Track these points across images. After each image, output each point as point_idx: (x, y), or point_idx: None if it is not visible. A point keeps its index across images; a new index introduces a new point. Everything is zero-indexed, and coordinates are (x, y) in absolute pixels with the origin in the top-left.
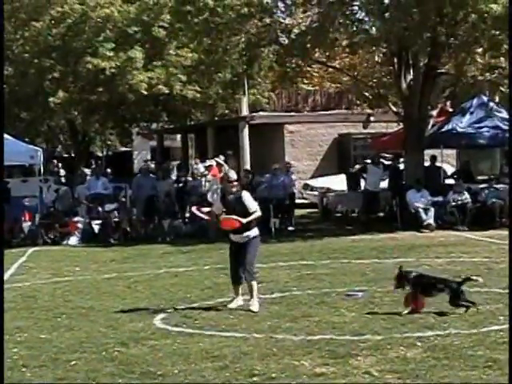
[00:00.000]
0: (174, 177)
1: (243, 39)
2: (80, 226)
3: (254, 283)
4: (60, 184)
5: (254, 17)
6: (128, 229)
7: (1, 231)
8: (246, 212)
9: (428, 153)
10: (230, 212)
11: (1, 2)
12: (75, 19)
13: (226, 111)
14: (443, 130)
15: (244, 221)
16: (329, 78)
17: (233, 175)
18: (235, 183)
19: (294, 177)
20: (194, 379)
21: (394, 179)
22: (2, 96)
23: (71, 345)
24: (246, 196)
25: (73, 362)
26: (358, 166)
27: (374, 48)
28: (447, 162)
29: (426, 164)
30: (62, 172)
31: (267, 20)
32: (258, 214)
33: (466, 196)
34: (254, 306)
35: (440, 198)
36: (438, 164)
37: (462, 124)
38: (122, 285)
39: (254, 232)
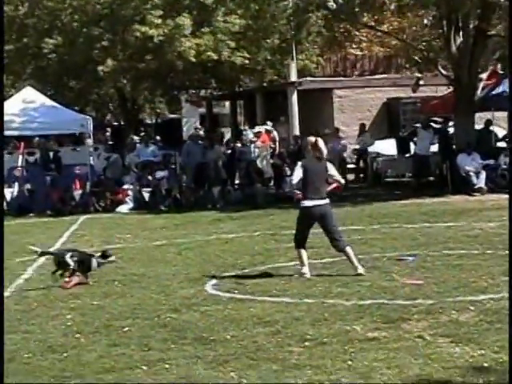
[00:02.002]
0: (224, 143)
1: (291, 4)
2: (130, 193)
3: (349, 248)
4: (110, 152)
5: None
6: (178, 196)
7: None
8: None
9: (479, 116)
10: (313, 179)
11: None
12: None
13: (275, 77)
14: (494, 92)
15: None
16: (377, 42)
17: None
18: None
19: (344, 142)
20: (245, 344)
21: (444, 143)
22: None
23: (123, 311)
24: (330, 165)
25: (125, 329)
26: (408, 131)
27: (422, 11)
28: (498, 124)
29: (477, 127)
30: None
31: None
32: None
33: None
34: (360, 269)
35: (491, 162)
36: (490, 128)
37: None
38: (172, 251)
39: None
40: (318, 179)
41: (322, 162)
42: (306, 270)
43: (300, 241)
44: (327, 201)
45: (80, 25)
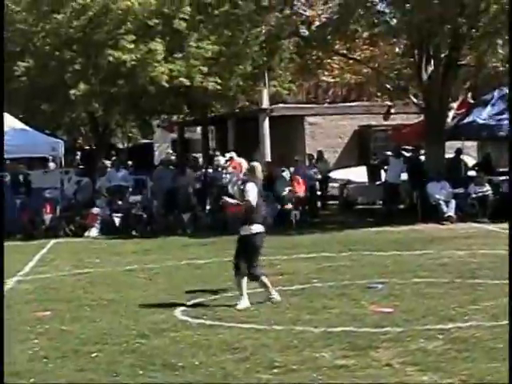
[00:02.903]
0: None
1: (264, 31)
2: (100, 217)
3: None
4: (81, 176)
5: (274, 8)
6: (149, 221)
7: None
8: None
9: (449, 145)
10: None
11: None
12: (96, 11)
13: (247, 103)
14: (464, 121)
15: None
16: (349, 70)
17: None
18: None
19: (315, 170)
20: (214, 371)
21: (414, 171)
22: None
23: (92, 336)
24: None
25: (94, 354)
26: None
27: (394, 39)
28: (468, 154)
29: (448, 156)
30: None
31: (287, 12)
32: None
33: (487, 188)
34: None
35: (461, 190)
36: (460, 156)
37: (482, 116)
38: (142, 277)
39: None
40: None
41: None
42: (274, 292)
43: (259, 269)
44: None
45: (52, 48)
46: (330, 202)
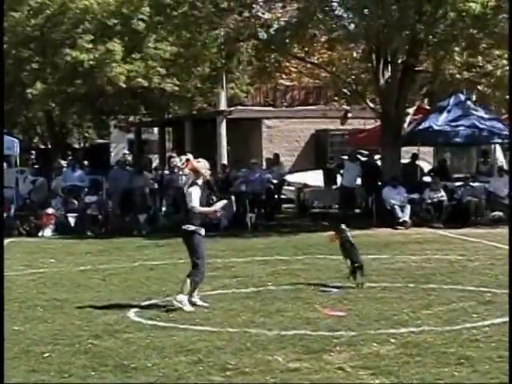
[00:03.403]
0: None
1: (222, 33)
2: (55, 217)
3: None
4: (36, 175)
5: (233, 11)
6: (104, 221)
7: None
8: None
9: (405, 150)
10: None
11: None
12: (54, 10)
13: (204, 105)
14: (420, 127)
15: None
16: (307, 74)
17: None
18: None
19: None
20: (167, 373)
21: (370, 176)
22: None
23: (44, 337)
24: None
25: (46, 354)
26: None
27: (352, 44)
28: (424, 159)
29: (404, 161)
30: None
31: (246, 14)
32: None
33: (442, 194)
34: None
35: (416, 196)
36: (416, 162)
37: (438, 122)
38: (96, 277)
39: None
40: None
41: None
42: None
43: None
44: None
45: (9, 46)
46: (286, 206)
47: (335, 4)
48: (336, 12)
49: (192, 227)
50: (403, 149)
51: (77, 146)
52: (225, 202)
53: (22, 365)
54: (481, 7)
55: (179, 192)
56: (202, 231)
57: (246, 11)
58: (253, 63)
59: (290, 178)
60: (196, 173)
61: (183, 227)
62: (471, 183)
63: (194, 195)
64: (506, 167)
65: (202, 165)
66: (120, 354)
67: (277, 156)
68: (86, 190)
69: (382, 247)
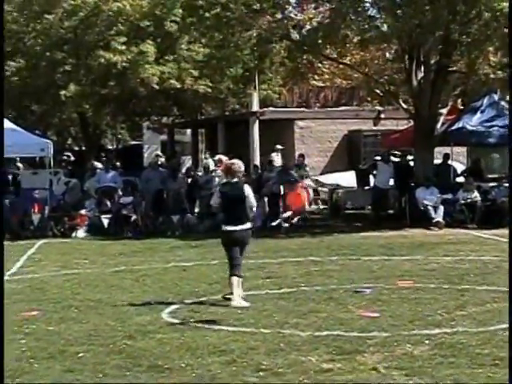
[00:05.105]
0: (183, 171)
1: (255, 34)
2: (88, 218)
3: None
4: (70, 177)
5: (265, 12)
6: (139, 222)
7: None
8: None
9: (437, 150)
10: (229, 203)
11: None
12: (87, 12)
13: (237, 106)
14: (453, 128)
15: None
16: (340, 75)
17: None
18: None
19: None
20: (200, 373)
21: (402, 176)
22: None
23: (79, 337)
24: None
25: (80, 354)
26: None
27: (385, 45)
28: (457, 160)
29: (437, 162)
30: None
31: (279, 15)
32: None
33: (476, 194)
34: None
35: (449, 196)
36: (448, 162)
37: (472, 122)
38: (130, 278)
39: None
40: (235, 204)
41: (239, 186)
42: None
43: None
44: (248, 226)
45: (43, 48)
46: (318, 207)
47: (368, 4)
48: (368, 12)
49: (250, 226)
50: (436, 149)
51: (110, 147)
52: None
53: (57, 365)
54: None
55: (227, 193)
56: None
57: (279, 12)
58: (285, 64)
59: (322, 178)
60: (233, 173)
61: (244, 227)
62: (505, 183)
63: (252, 195)
64: None
65: (237, 167)
66: (154, 355)
67: (302, 156)
68: (120, 191)
69: (416, 248)
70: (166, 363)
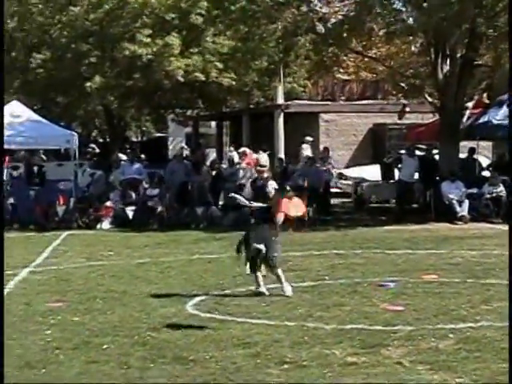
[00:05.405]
0: (208, 164)
1: (280, 27)
2: (113, 210)
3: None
4: (95, 168)
5: (290, 5)
6: (164, 214)
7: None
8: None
9: (463, 144)
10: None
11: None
12: (113, 5)
13: (262, 99)
14: (479, 121)
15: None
16: (365, 68)
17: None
18: (264, 169)
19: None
20: (224, 365)
21: (427, 170)
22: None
23: (104, 328)
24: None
25: (105, 346)
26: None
27: (410, 38)
28: (483, 154)
29: (462, 156)
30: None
31: (304, 8)
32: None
33: (502, 188)
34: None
35: (475, 190)
36: (473, 156)
37: (498, 116)
38: (154, 270)
39: None
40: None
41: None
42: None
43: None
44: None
45: (68, 40)
46: (344, 200)
47: None
48: (394, 5)
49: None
50: (461, 143)
51: (135, 139)
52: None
53: (82, 356)
54: None
55: (255, 186)
56: None
57: (304, 5)
58: (310, 57)
59: (347, 172)
60: (269, 168)
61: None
62: None
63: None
64: None
65: (263, 161)
66: (178, 346)
67: (326, 150)
68: (145, 183)
69: (441, 242)
70: (190, 355)
